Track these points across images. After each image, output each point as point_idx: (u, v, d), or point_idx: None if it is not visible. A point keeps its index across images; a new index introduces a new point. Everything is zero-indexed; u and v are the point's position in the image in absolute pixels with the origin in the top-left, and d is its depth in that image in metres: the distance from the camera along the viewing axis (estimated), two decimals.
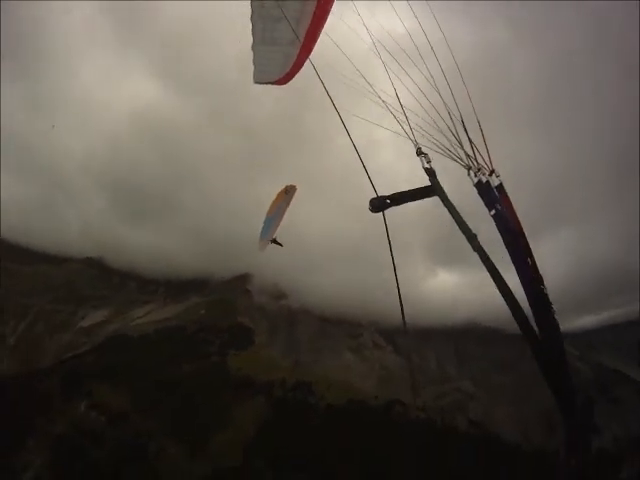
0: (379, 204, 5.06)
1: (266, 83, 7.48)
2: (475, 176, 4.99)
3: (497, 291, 4.44)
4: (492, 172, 5.04)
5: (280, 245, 23.12)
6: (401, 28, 6.51)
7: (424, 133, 5.42)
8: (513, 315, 4.24)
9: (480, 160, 5.08)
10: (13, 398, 72.10)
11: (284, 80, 7.30)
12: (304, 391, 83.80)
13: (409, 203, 5.03)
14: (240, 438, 73.33)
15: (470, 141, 5.25)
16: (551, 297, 4.25)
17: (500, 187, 4.98)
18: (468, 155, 5.13)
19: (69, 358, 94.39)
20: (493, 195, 4.91)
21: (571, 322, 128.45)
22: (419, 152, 5.28)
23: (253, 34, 6.29)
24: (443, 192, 4.97)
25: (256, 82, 7.45)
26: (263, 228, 17.98)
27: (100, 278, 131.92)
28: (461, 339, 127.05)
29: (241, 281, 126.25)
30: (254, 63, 6.92)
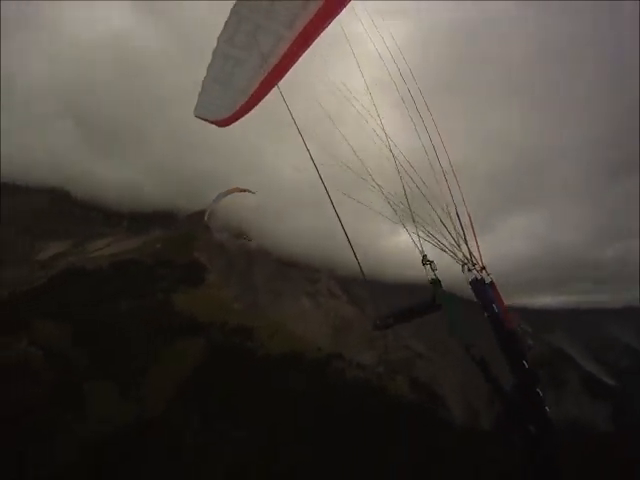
0: (383, 325, 5.53)
1: (205, 120, 7.56)
2: (469, 271, 5.40)
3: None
4: (483, 269, 5.42)
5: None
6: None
7: (424, 230, 5.93)
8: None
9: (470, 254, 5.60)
10: None
11: (224, 123, 7.39)
12: (244, 336, 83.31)
13: None
14: (172, 381, 72.89)
15: (465, 241, 5.62)
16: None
17: (492, 284, 5.32)
18: (466, 256, 5.62)
19: (22, 292, 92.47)
20: (488, 295, 5.24)
21: (531, 299, 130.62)
22: (424, 261, 5.73)
23: (209, 69, 6.32)
24: (448, 303, 5.45)
25: (196, 116, 7.52)
26: (214, 200, 20.00)
27: (64, 210, 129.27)
28: (416, 298, 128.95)
29: (202, 216, 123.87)
30: (200, 96, 6.97)
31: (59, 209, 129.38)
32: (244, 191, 19.32)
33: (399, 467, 62.19)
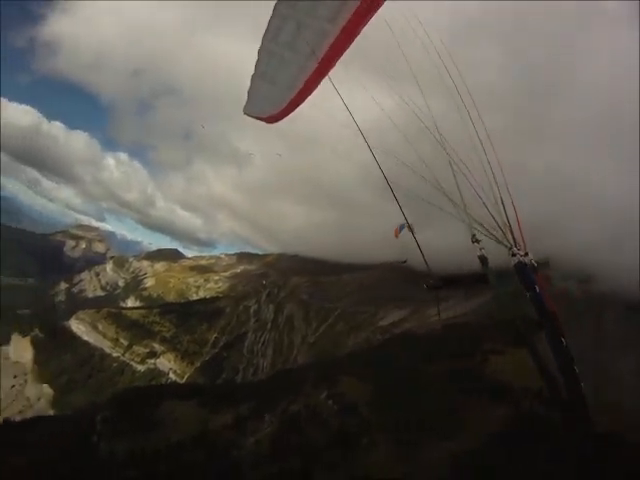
0: (435, 285, 6.71)
1: (254, 117, 8.39)
2: (513, 255, 6.32)
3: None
4: (526, 254, 6.35)
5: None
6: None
7: (474, 218, 6.87)
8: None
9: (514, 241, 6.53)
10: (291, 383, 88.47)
11: (272, 119, 8.10)
12: (558, 407, 68.31)
13: None
14: (458, 451, 66.34)
15: (510, 227, 6.53)
16: None
17: (535, 269, 6.29)
18: (509, 240, 6.50)
19: (357, 352, 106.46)
20: (530, 277, 6.16)
21: None
22: (474, 239, 6.69)
23: (256, 66, 7.17)
24: (495, 279, 6.38)
25: (245, 113, 8.40)
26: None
27: (401, 280, 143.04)
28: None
29: (540, 267, 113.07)
30: (248, 94, 7.83)
31: (398, 279, 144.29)
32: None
33: None
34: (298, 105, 7.20)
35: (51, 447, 38.14)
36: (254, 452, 71.47)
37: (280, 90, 7.04)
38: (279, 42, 6.48)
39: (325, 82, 6.50)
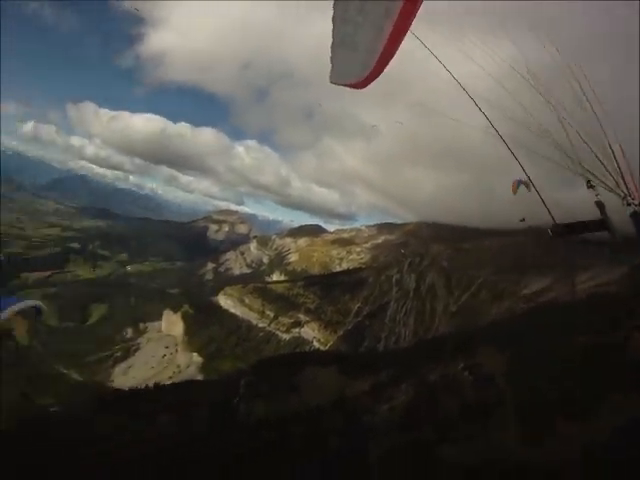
0: (559, 231, 7.18)
1: (342, 85, 8.31)
2: (628, 205, 6.55)
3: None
4: None
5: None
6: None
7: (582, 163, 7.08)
8: None
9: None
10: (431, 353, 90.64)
11: (361, 85, 8.03)
12: None
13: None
14: (593, 435, 63.01)
15: (622, 177, 6.66)
16: None
17: None
18: (619, 186, 6.70)
19: (498, 321, 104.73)
20: None
21: None
22: (589, 185, 6.95)
23: (333, 35, 7.05)
24: (612, 225, 6.73)
25: (332, 82, 8.30)
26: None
27: (544, 246, 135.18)
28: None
29: None
30: (331, 63, 7.71)
31: (541, 244, 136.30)
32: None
33: None
34: (384, 67, 7.17)
35: (196, 407, 43.17)
36: (387, 419, 73.64)
37: (362, 55, 7.02)
38: (351, 6, 6.29)
39: (418, 42, 7.07)
